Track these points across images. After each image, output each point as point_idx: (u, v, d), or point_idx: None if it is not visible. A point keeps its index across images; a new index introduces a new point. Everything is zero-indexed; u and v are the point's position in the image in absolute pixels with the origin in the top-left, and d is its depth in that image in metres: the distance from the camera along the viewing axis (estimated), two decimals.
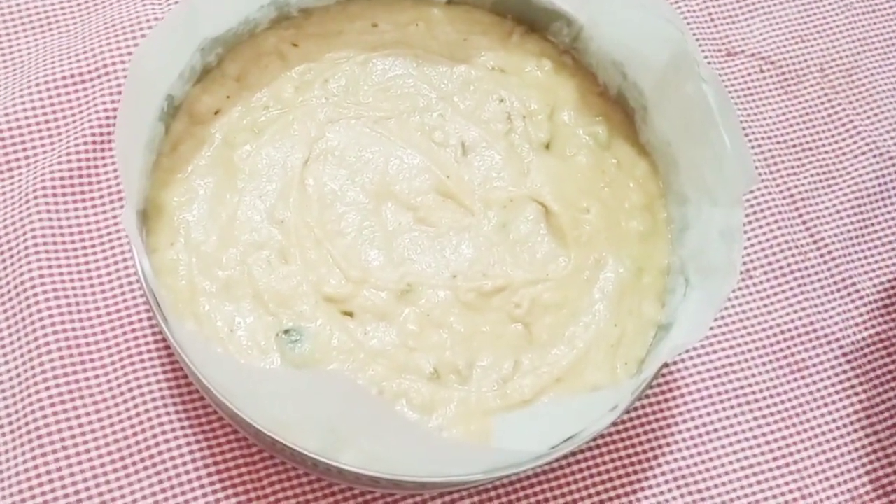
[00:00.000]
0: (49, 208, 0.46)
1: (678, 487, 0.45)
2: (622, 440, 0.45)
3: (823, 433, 0.46)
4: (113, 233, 0.47)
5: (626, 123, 0.48)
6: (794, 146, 0.53)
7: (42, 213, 0.46)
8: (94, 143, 0.48)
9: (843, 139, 0.53)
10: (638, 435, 0.45)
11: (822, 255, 0.50)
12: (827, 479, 0.45)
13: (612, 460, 0.45)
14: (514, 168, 0.46)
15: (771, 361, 0.47)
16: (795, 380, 0.47)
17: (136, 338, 0.44)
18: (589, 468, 0.44)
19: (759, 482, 0.45)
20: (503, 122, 0.47)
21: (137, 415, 0.43)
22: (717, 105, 0.41)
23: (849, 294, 0.49)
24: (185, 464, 0.42)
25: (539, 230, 0.45)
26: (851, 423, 0.46)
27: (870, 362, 0.48)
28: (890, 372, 0.48)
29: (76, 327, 0.44)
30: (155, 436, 0.43)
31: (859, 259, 0.50)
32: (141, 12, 0.51)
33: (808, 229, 0.50)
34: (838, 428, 0.46)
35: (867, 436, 0.46)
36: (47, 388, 0.43)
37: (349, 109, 0.46)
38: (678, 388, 0.46)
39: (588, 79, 0.49)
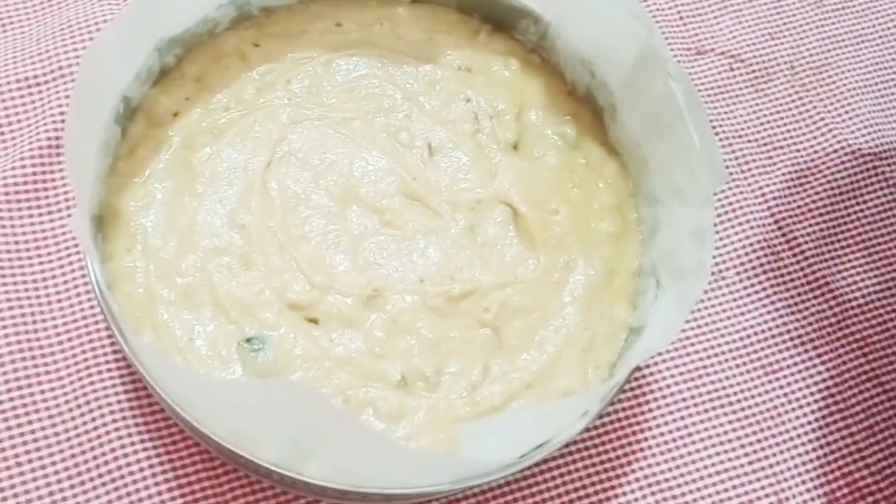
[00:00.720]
0: (3, 215, 0.45)
1: (652, 493, 0.44)
2: (594, 446, 0.44)
3: (798, 435, 0.46)
4: (70, 240, 0.45)
5: (594, 123, 0.47)
6: (766, 145, 0.52)
7: None
8: (49, 147, 0.46)
9: (815, 137, 0.53)
10: (611, 440, 0.45)
11: (794, 255, 0.49)
12: (803, 482, 0.45)
13: (585, 467, 0.44)
14: (481, 169, 0.45)
15: (744, 363, 0.47)
16: (769, 381, 0.47)
17: (93, 348, 0.43)
18: (561, 475, 0.44)
19: (734, 486, 0.44)
20: (470, 123, 0.46)
21: (95, 428, 0.42)
22: (685, 103, 0.40)
23: (822, 294, 0.49)
24: (144, 479, 0.41)
25: (507, 232, 0.44)
26: (827, 424, 0.46)
27: (844, 363, 0.47)
28: (864, 373, 0.47)
29: (31, 338, 0.43)
30: (114, 450, 0.41)
31: (833, 259, 0.50)
32: (98, 12, 0.49)
33: (780, 229, 0.50)
34: (813, 430, 0.46)
35: (843, 437, 0.46)
36: (0, 402, 0.41)
37: (312, 111, 0.45)
38: (651, 391, 0.46)
39: (556, 78, 0.48)
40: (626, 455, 0.44)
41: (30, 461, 0.41)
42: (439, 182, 0.44)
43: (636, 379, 0.46)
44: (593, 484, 0.44)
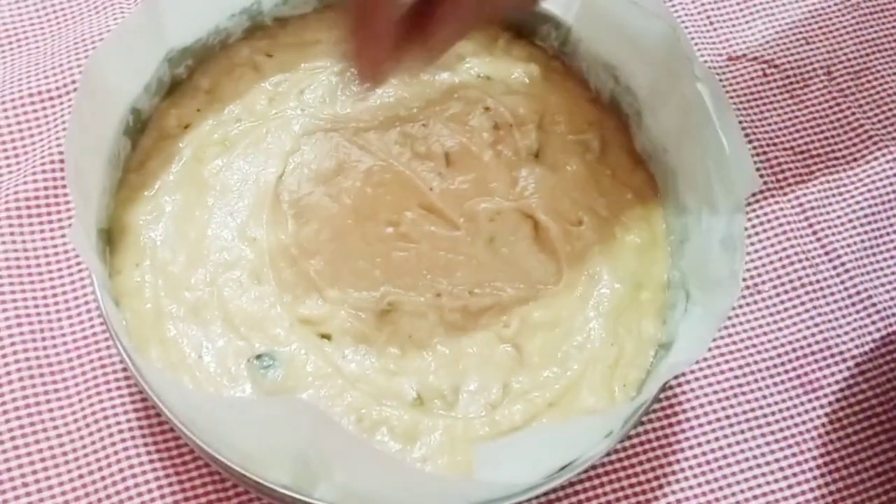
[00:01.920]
0: (14, 230, 0.44)
1: None
2: (623, 469, 0.42)
3: (841, 458, 0.43)
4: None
5: (619, 130, 0.46)
6: (802, 153, 0.50)
7: (6, 235, 0.44)
8: (61, 161, 0.46)
9: (854, 144, 0.51)
10: (641, 463, 0.43)
11: (834, 267, 0.47)
12: None
13: (613, 490, 0.42)
14: (501, 179, 0.44)
15: (783, 381, 0.45)
16: (809, 400, 0.44)
17: (103, 366, 0.42)
18: (588, 499, 0.42)
19: None
20: (489, 132, 0.45)
21: (104, 448, 0.41)
22: (713, 105, 0.39)
23: (864, 308, 0.47)
24: (153, 500, 0.40)
25: (528, 245, 0.43)
26: (871, 445, 0.44)
27: (889, 381, 0.45)
28: None
29: (40, 355, 0.42)
30: (122, 470, 0.40)
31: (874, 270, 0.48)
32: (112, 27, 0.49)
33: (818, 240, 0.48)
34: (857, 452, 0.44)
35: (889, 460, 0.43)
36: (7, 421, 0.41)
37: (326, 121, 0.44)
38: (682, 411, 0.44)
39: (579, 84, 0.47)
40: (655, 478, 0.42)
41: (37, 481, 0.40)
42: (457, 193, 0.43)
43: (666, 398, 0.44)
44: None
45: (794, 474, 0.43)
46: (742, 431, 0.44)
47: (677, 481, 0.42)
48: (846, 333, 0.46)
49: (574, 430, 0.36)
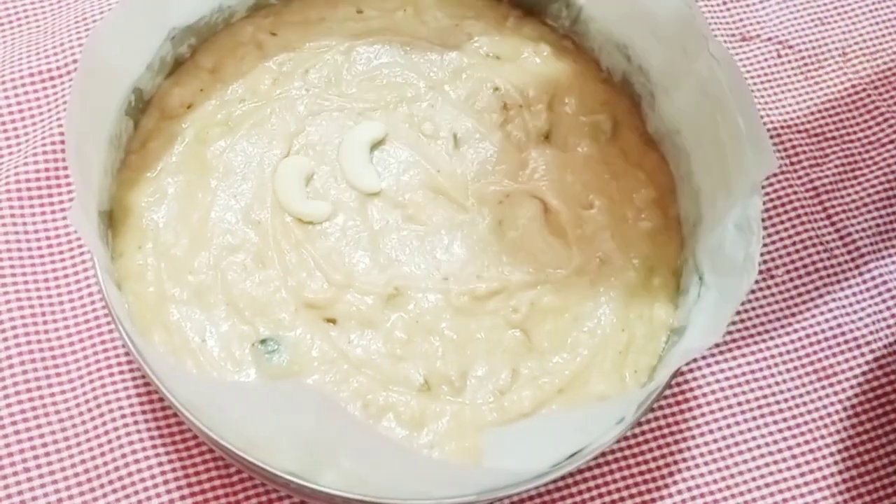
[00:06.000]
0: (14, 212, 0.44)
1: None
2: (633, 456, 0.42)
3: (855, 446, 0.43)
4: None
5: (632, 111, 0.45)
6: (816, 135, 0.49)
7: (6, 217, 0.43)
8: (62, 142, 0.45)
9: (869, 127, 0.50)
10: (651, 450, 0.42)
11: (849, 252, 0.47)
12: (860, 495, 0.42)
13: (623, 478, 0.41)
14: (510, 161, 0.43)
15: (796, 368, 0.44)
16: (823, 388, 0.44)
17: (105, 350, 0.42)
18: (597, 486, 0.41)
19: (784, 500, 0.42)
20: (498, 112, 0.44)
21: (106, 432, 0.40)
22: (729, 85, 0.38)
23: (879, 293, 0.46)
24: (156, 485, 0.40)
25: (538, 228, 0.42)
26: (885, 433, 0.43)
27: None
28: None
29: (41, 339, 0.42)
30: (125, 455, 0.40)
31: (890, 255, 0.47)
32: (114, 5, 0.48)
33: (833, 224, 0.47)
34: (871, 440, 0.43)
35: None
36: (8, 406, 0.40)
37: (331, 101, 0.43)
38: (694, 398, 0.43)
39: (590, 64, 0.46)
40: (666, 465, 0.42)
41: (38, 466, 0.40)
42: (465, 175, 0.42)
43: (678, 384, 0.43)
44: (631, 496, 0.41)
45: (808, 462, 0.42)
46: (755, 419, 0.43)
47: (688, 469, 0.42)
48: (861, 320, 0.45)
49: (584, 417, 0.35)
